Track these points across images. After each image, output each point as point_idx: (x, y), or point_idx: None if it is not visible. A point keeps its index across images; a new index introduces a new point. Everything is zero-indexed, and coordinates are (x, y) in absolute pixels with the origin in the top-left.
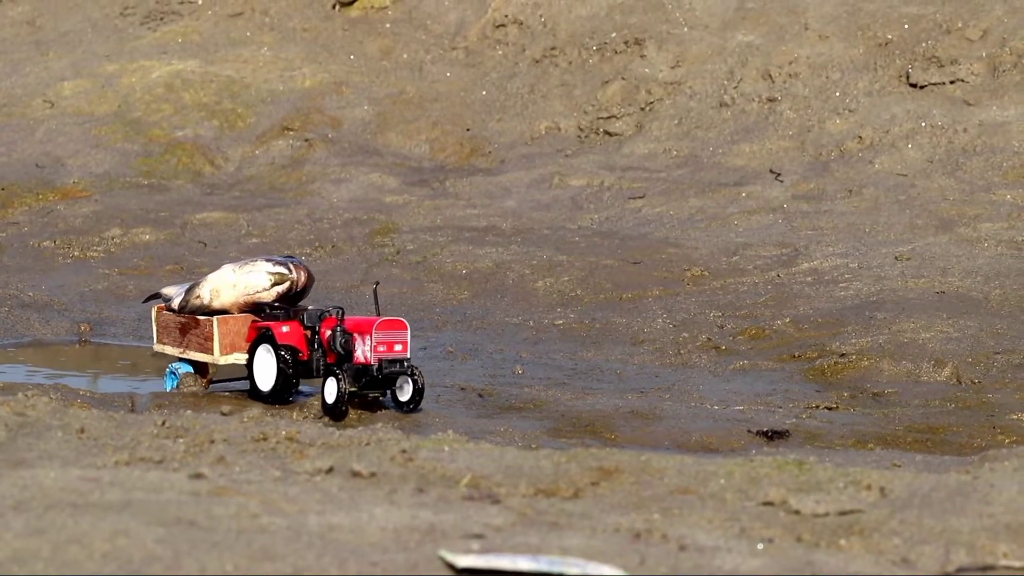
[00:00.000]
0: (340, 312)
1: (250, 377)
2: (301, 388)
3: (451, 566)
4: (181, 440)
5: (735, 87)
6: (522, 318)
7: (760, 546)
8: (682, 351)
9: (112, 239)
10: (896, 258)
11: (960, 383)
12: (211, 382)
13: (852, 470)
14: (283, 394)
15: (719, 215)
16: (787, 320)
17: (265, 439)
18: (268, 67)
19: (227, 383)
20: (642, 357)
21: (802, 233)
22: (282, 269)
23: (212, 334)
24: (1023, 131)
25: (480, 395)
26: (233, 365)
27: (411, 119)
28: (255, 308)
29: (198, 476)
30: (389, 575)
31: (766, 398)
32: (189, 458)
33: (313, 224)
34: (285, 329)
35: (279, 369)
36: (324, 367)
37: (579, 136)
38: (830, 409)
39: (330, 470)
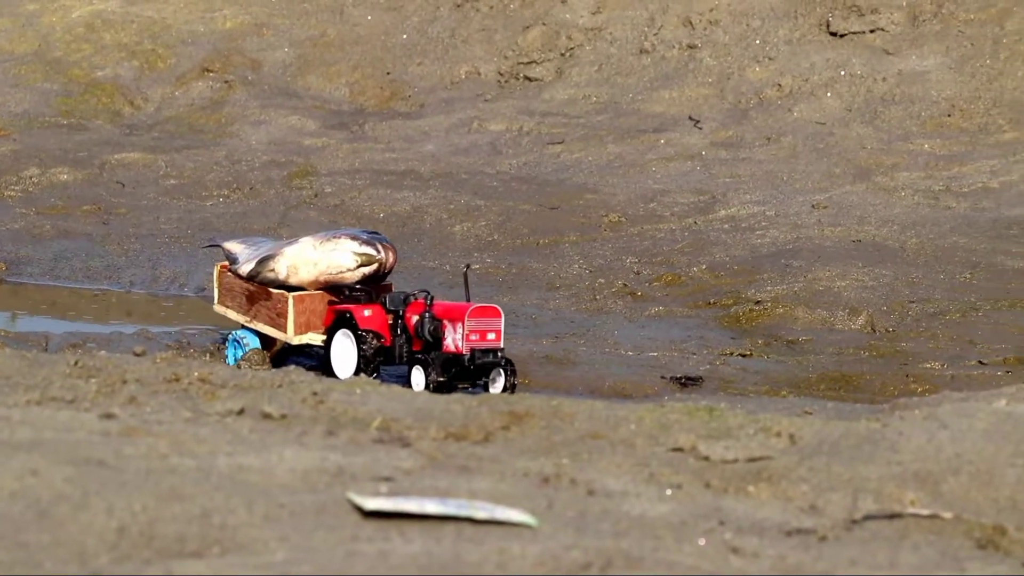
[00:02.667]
0: (428, 296)
1: (327, 363)
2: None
3: (359, 508)
4: (93, 380)
5: (655, 34)
6: (439, 262)
7: (668, 491)
8: (598, 297)
9: (30, 178)
10: (813, 206)
11: (874, 331)
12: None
13: (762, 417)
14: None
15: (637, 161)
16: (703, 267)
17: (177, 380)
18: (189, 8)
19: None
20: (558, 302)
21: (720, 180)
22: (369, 250)
23: (286, 311)
24: (942, 81)
25: None
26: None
27: (331, 62)
28: (334, 288)
29: (109, 416)
30: (297, 516)
31: (680, 345)
32: (100, 398)
33: (231, 166)
34: (367, 313)
35: (360, 356)
36: (408, 355)
37: (499, 81)
38: (744, 356)
39: (241, 412)
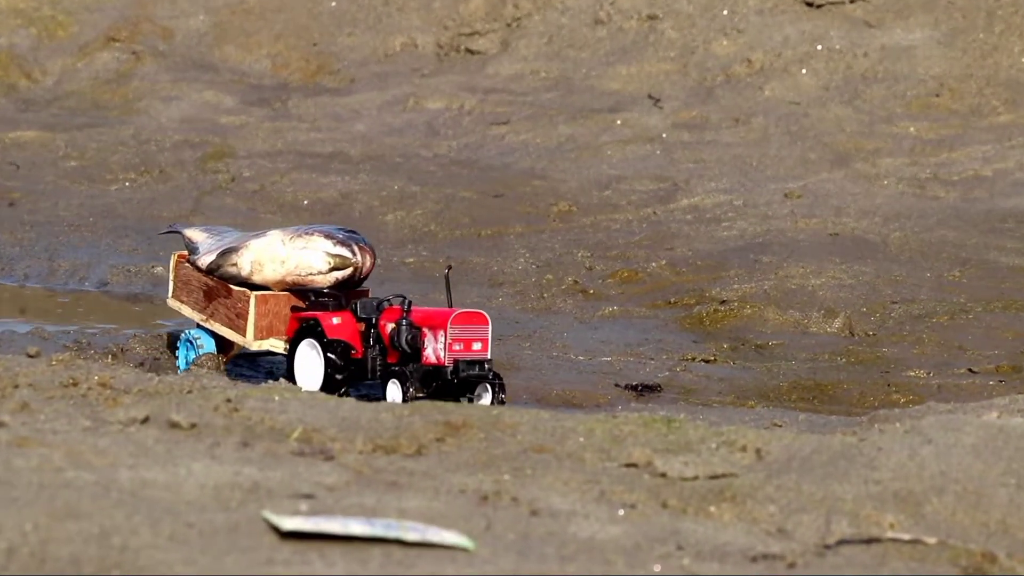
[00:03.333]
0: (406, 303)
1: (290, 376)
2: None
3: (276, 529)
4: None
5: (612, 3)
6: None
7: (621, 512)
8: (545, 295)
9: None
10: (786, 195)
11: (853, 335)
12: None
13: (726, 429)
14: None
15: (591, 144)
16: (663, 262)
17: (75, 384)
18: None
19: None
20: (501, 300)
21: (682, 166)
22: (344, 252)
23: (247, 312)
24: (930, 57)
25: None
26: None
27: (251, 31)
28: (301, 291)
29: None
30: (206, 537)
31: (637, 348)
32: None
33: (139, 146)
34: (336, 321)
35: (327, 369)
36: (383, 368)
37: (438, 54)
38: (707, 362)
39: (146, 420)
